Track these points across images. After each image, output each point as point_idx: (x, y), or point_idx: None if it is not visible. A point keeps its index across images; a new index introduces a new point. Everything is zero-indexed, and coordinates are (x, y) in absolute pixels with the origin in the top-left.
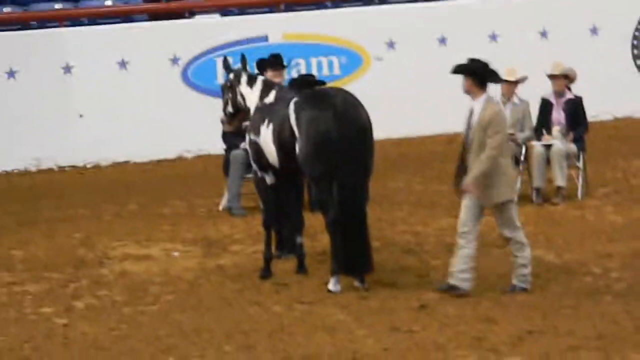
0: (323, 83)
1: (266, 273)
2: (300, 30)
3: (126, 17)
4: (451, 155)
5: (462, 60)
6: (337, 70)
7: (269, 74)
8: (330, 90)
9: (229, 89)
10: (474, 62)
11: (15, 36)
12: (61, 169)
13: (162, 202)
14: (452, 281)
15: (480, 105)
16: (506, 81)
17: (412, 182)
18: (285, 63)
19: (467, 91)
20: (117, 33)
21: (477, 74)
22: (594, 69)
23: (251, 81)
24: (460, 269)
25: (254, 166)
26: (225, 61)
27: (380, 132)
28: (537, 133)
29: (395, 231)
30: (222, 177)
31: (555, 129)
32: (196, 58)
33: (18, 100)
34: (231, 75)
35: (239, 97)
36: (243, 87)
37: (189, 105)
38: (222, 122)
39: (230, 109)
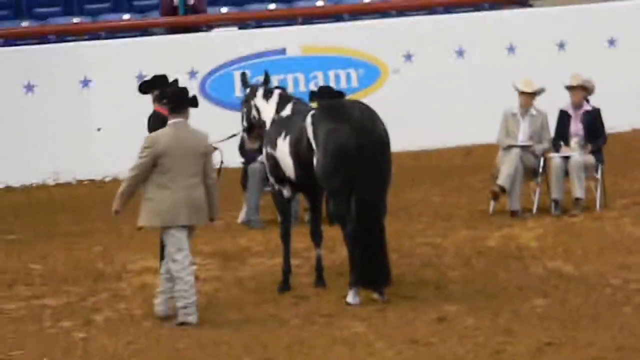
0: (342, 94)
1: (285, 286)
2: (318, 43)
3: (144, 30)
4: (469, 168)
5: (482, 72)
6: (354, 83)
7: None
8: (348, 103)
9: (245, 104)
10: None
11: (33, 50)
12: (80, 182)
13: None
14: None
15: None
16: (523, 93)
17: (430, 194)
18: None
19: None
20: (134, 47)
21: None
22: (612, 80)
23: (267, 94)
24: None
25: (271, 179)
26: (243, 76)
27: (398, 144)
28: (555, 145)
29: (413, 243)
30: (240, 190)
31: (574, 141)
32: (214, 71)
33: (36, 114)
34: (248, 90)
35: (253, 111)
36: (259, 101)
37: (207, 118)
38: (244, 139)
39: (244, 122)
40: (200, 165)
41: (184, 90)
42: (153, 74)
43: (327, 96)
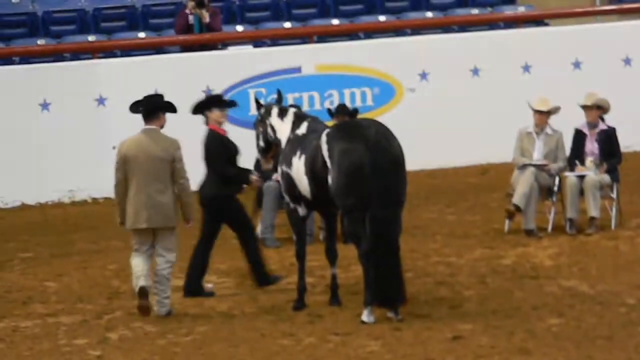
0: (357, 111)
1: (300, 304)
2: (333, 62)
3: (159, 48)
4: (485, 186)
5: (497, 91)
6: (369, 102)
7: (215, 114)
8: (363, 122)
9: (260, 123)
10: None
11: (49, 68)
12: (95, 200)
13: (195, 234)
14: None
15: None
16: (538, 111)
17: (446, 213)
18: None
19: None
20: (150, 65)
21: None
22: (628, 99)
23: (282, 113)
24: None
25: (286, 197)
26: (256, 100)
27: (413, 163)
28: (571, 164)
29: (428, 262)
30: (255, 208)
31: (589, 160)
32: (229, 89)
33: (52, 132)
34: (262, 110)
35: (269, 130)
36: (274, 119)
37: None
38: (259, 160)
39: (261, 143)
40: (167, 170)
41: (158, 97)
42: (208, 94)
43: (345, 114)
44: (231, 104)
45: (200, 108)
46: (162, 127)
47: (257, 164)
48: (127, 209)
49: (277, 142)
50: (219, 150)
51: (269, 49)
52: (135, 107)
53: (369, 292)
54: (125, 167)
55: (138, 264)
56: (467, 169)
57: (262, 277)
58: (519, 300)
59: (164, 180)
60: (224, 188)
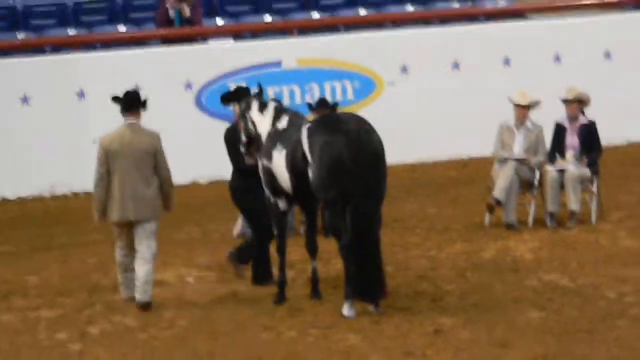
0: (337, 105)
1: (280, 298)
2: (313, 55)
3: (140, 42)
4: (465, 180)
5: (478, 84)
6: (350, 95)
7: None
8: (343, 116)
9: (241, 118)
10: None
11: (29, 62)
12: (75, 194)
13: (176, 228)
14: None
15: None
16: (518, 105)
17: (426, 206)
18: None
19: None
20: (130, 58)
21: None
22: (608, 93)
23: (262, 107)
24: None
25: (267, 191)
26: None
27: (393, 156)
28: (551, 157)
29: (409, 256)
30: None
31: (569, 154)
32: (210, 83)
33: (32, 126)
34: (243, 104)
35: (249, 124)
36: (254, 114)
37: (203, 130)
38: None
39: (243, 137)
40: (148, 163)
41: (136, 92)
42: (236, 86)
43: (325, 107)
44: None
45: (229, 99)
46: (139, 122)
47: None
48: (110, 203)
49: (258, 136)
50: (236, 143)
51: (249, 42)
52: (116, 99)
53: (350, 285)
54: (108, 161)
55: (123, 263)
56: (448, 162)
57: (262, 275)
58: (500, 293)
59: (148, 173)
60: (243, 180)
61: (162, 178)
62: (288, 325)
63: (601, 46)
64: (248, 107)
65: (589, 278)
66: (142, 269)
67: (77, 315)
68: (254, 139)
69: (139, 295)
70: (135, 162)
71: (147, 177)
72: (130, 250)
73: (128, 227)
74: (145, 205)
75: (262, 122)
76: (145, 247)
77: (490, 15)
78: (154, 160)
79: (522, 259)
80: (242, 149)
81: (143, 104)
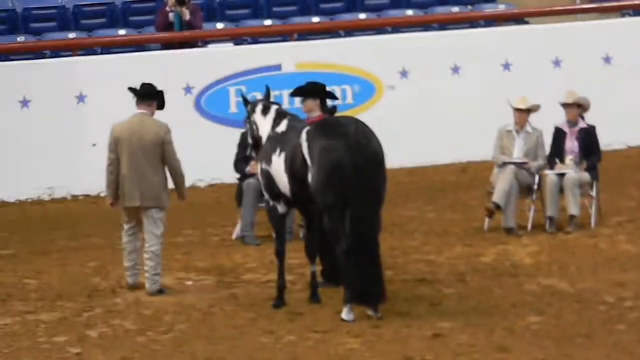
0: (335, 109)
1: (280, 302)
2: (313, 59)
3: (140, 46)
4: (464, 185)
5: (478, 89)
6: (350, 99)
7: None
8: (343, 120)
9: (247, 121)
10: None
11: (29, 65)
12: (75, 198)
13: (175, 232)
14: None
15: None
16: (518, 110)
17: (425, 211)
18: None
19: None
20: (130, 62)
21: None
22: (608, 98)
23: (265, 110)
24: None
25: (266, 195)
26: (243, 97)
27: (393, 160)
28: (551, 162)
29: (408, 260)
30: (235, 206)
31: (569, 158)
32: (209, 87)
33: (31, 130)
34: (249, 108)
35: (254, 127)
36: (257, 117)
37: (202, 134)
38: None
39: (250, 140)
40: (156, 153)
41: (152, 85)
42: (309, 82)
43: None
44: (329, 95)
45: (298, 94)
46: (152, 115)
47: (237, 161)
48: (120, 188)
49: (259, 139)
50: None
51: (249, 46)
52: (131, 90)
53: (349, 290)
54: (117, 148)
55: (131, 250)
56: (447, 167)
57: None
58: (499, 298)
59: (155, 163)
60: None
61: (171, 169)
62: (287, 329)
63: (601, 51)
64: (253, 110)
65: (589, 283)
66: (149, 262)
67: (77, 319)
68: (260, 142)
69: (148, 285)
70: (142, 151)
71: (154, 166)
72: (135, 234)
73: (135, 213)
74: (151, 193)
75: (264, 125)
76: (150, 236)
77: (490, 20)
78: (162, 151)
79: (521, 263)
80: (250, 152)
81: (158, 97)
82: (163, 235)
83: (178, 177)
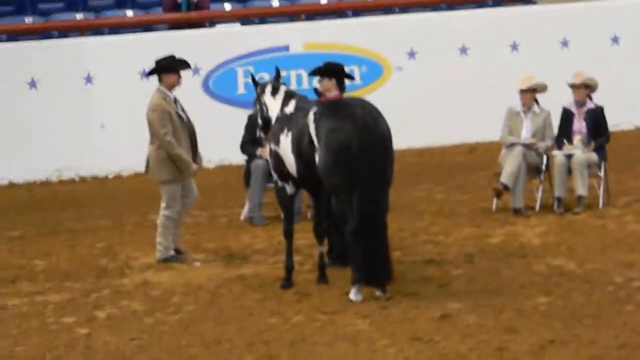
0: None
1: (287, 283)
2: (320, 40)
3: (147, 27)
4: (473, 165)
5: (485, 69)
6: (357, 80)
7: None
8: (350, 101)
9: (257, 102)
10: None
11: (36, 46)
12: (82, 179)
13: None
14: None
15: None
16: (523, 89)
17: (434, 192)
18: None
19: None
20: (138, 43)
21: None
22: (615, 78)
23: (274, 91)
24: None
25: (275, 176)
26: (252, 78)
27: (401, 142)
28: (558, 142)
29: (416, 241)
30: (243, 187)
31: (577, 139)
32: (217, 68)
33: (40, 111)
34: (258, 89)
35: (263, 108)
36: (267, 98)
37: (210, 115)
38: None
39: (260, 121)
40: (149, 127)
41: (167, 58)
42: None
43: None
44: (346, 75)
45: (316, 73)
46: (171, 87)
47: (244, 142)
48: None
49: (269, 119)
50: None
51: (257, 27)
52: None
53: (357, 270)
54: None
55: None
56: (455, 147)
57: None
58: (507, 278)
59: (151, 136)
60: None
61: (159, 145)
62: (295, 310)
63: (609, 31)
64: (262, 91)
65: (596, 263)
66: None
67: (85, 300)
68: (269, 123)
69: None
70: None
71: (152, 139)
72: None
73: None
74: (151, 165)
75: (273, 106)
76: (161, 207)
77: (498, 0)
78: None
79: (529, 244)
80: (260, 132)
81: (166, 68)
82: (165, 208)
83: (167, 151)
